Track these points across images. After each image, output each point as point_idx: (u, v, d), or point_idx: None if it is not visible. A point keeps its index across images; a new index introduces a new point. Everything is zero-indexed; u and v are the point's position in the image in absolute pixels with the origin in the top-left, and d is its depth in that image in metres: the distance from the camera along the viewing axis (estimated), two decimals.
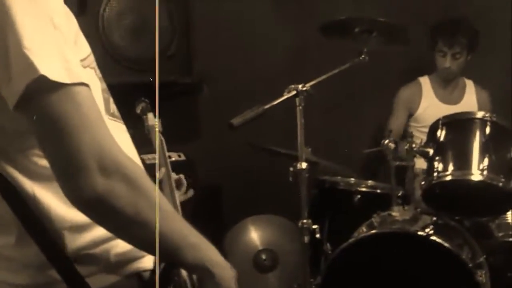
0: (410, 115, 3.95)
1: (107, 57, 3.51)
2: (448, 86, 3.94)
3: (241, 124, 2.56)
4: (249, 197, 3.94)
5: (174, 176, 1.85)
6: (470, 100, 3.93)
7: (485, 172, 2.84)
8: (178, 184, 1.85)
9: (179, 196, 1.85)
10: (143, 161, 1.42)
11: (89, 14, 3.46)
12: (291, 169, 2.83)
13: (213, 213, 3.95)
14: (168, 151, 3.54)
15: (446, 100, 3.92)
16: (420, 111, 3.91)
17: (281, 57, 4.08)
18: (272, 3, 4.12)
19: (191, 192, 1.93)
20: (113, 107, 1.38)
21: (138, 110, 1.91)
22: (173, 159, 3.52)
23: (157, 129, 1.88)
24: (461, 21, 3.80)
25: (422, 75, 4.01)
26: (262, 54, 4.08)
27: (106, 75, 3.78)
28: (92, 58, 1.30)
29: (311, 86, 2.86)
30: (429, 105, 3.89)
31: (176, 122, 3.89)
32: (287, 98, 2.78)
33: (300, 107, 2.83)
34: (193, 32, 3.89)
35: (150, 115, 1.91)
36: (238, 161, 3.91)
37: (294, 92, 2.77)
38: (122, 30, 3.52)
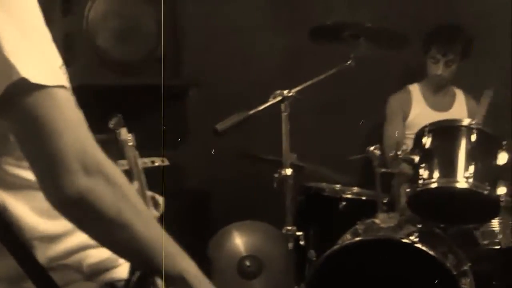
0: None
1: (92, 60, 3.49)
2: (438, 93, 3.93)
3: (226, 129, 2.54)
4: (236, 202, 3.91)
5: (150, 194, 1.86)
6: (460, 107, 3.93)
7: (470, 180, 2.83)
8: (155, 203, 1.86)
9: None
10: None
11: (74, 16, 3.44)
12: (276, 175, 2.81)
13: (199, 218, 3.93)
14: (153, 155, 3.52)
15: (437, 107, 3.91)
16: (411, 118, 3.89)
17: (272, 61, 4.06)
18: (264, 8, 4.11)
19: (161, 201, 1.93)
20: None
21: (111, 125, 1.91)
22: (157, 164, 3.49)
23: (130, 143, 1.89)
24: (456, 29, 3.79)
25: (411, 80, 3.99)
26: (252, 58, 4.06)
27: (91, 78, 3.76)
28: (64, 69, 1.29)
29: (297, 91, 2.85)
30: (420, 112, 3.87)
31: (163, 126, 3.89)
32: (273, 104, 2.76)
33: (286, 113, 2.82)
34: (182, 35, 3.88)
35: (123, 130, 1.91)
36: (225, 166, 3.89)
37: (279, 98, 2.76)
38: (107, 32, 3.50)
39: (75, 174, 1.13)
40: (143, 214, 1.23)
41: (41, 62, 1.14)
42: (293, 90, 2.82)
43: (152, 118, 3.78)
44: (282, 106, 2.79)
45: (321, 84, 3.02)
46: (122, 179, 1.21)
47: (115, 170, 1.20)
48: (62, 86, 1.16)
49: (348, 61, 3.03)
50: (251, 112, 2.63)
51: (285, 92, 2.80)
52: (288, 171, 2.84)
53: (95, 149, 1.18)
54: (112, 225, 1.17)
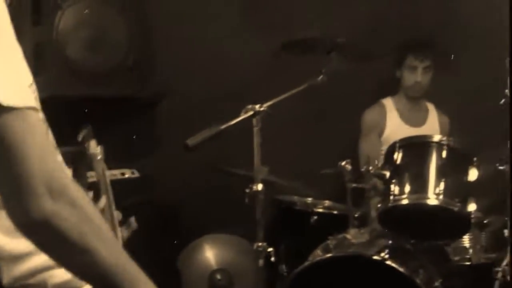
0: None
1: (62, 70, 3.44)
2: (412, 108, 3.94)
3: (196, 144, 2.53)
4: (207, 215, 3.88)
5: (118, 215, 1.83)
6: (433, 123, 3.94)
7: (441, 196, 2.85)
8: (124, 222, 1.83)
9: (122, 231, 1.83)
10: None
11: (44, 26, 3.39)
12: (247, 190, 2.80)
13: (170, 231, 3.89)
14: (124, 167, 3.48)
15: (411, 122, 3.92)
16: (386, 133, 3.88)
17: (244, 73, 4.04)
18: (237, 19, 4.09)
19: (134, 225, 1.90)
20: (50, 137, 1.37)
21: (80, 137, 1.87)
22: (126, 176, 3.46)
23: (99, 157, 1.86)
24: (431, 38, 3.84)
25: (385, 94, 4.00)
26: (225, 68, 4.04)
27: (61, 88, 3.70)
28: (34, 86, 1.28)
29: (269, 106, 2.84)
30: (395, 128, 3.87)
31: (134, 136, 3.85)
32: (245, 118, 2.75)
33: (257, 128, 2.80)
34: (153, 45, 3.84)
35: (92, 143, 1.87)
36: (197, 178, 3.86)
37: (251, 113, 2.75)
38: (77, 42, 3.46)
39: (40, 197, 1.13)
40: (108, 239, 1.23)
41: (13, 82, 1.14)
42: (265, 105, 2.81)
43: (123, 128, 3.75)
44: (254, 120, 2.77)
45: (294, 97, 3.01)
46: (87, 203, 1.21)
47: (80, 194, 1.20)
48: (32, 108, 1.16)
49: (320, 75, 3.03)
50: (222, 127, 2.61)
51: (257, 106, 2.79)
52: (259, 187, 2.83)
53: (62, 173, 1.19)
54: (75, 250, 1.17)
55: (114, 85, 3.62)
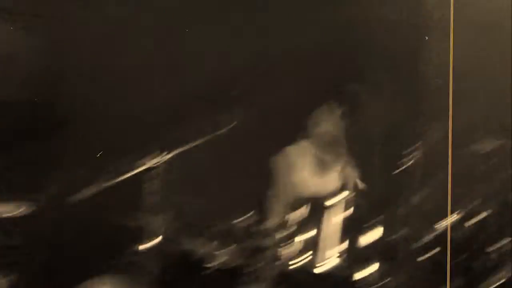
0: None
1: None
2: (321, 154, 3.89)
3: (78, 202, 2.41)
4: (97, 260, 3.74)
5: None
6: (342, 170, 3.90)
7: (337, 259, 2.89)
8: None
9: None
10: None
11: None
12: (142, 243, 2.70)
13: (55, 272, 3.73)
14: (17, 199, 3.27)
15: (320, 169, 3.87)
16: (294, 181, 3.77)
17: (155, 113, 3.90)
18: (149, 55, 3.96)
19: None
20: None
21: None
22: (21, 210, 3.30)
23: None
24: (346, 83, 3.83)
25: (292, 141, 3.88)
26: (135, 96, 3.90)
27: None
28: None
29: (171, 156, 2.74)
30: (302, 175, 3.81)
31: (34, 163, 3.67)
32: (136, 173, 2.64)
33: (156, 180, 2.68)
34: (66, 61, 3.69)
35: None
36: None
37: (144, 167, 2.61)
38: None
39: None
40: None
41: None
42: (162, 158, 2.69)
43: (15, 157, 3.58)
44: (147, 175, 2.64)
45: (200, 145, 2.94)
46: None
47: None
48: None
49: (223, 127, 2.97)
50: (106, 184, 2.47)
51: (154, 159, 2.66)
52: (156, 238, 2.73)
53: None
54: None
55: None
